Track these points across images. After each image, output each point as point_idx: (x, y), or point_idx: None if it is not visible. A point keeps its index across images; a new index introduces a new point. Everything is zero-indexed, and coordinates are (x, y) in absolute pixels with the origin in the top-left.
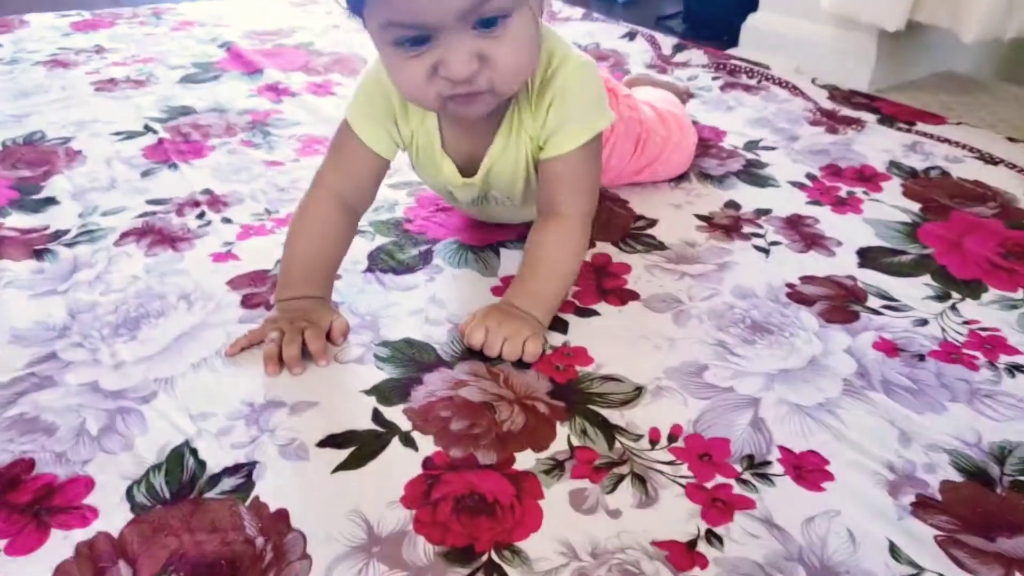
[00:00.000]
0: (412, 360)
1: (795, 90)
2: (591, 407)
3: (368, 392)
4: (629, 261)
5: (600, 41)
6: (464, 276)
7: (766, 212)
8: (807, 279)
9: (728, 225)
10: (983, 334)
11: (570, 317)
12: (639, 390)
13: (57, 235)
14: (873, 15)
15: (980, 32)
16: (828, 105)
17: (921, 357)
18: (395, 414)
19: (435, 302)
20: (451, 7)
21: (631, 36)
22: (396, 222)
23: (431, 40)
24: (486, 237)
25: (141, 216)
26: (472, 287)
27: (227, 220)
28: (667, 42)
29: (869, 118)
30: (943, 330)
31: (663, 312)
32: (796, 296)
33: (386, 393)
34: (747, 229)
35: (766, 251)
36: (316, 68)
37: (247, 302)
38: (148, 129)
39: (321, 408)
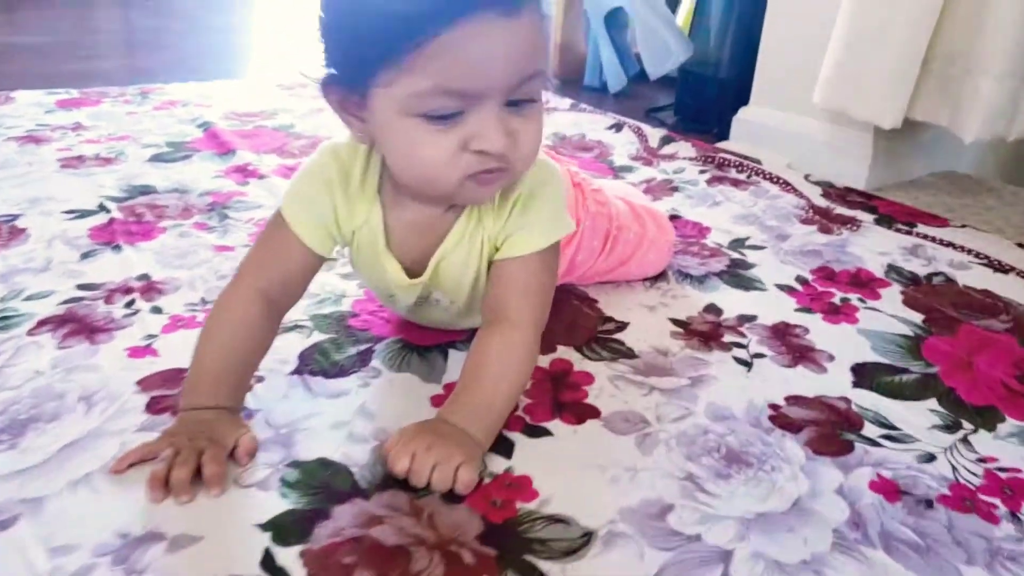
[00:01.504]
0: (323, 487)
1: (787, 186)
2: (528, 558)
3: (264, 526)
4: (593, 370)
5: (586, 132)
6: (403, 382)
7: (750, 319)
8: (794, 399)
9: (707, 332)
10: (1002, 475)
11: (517, 437)
12: (588, 536)
13: None
14: (868, 112)
15: (981, 132)
16: (822, 203)
17: (929, 503)
18: (289, 557)
19: (364, 413)
20: (508, 77)
21: (618, 128)
22: (339, 316)
23: (463, 114)
24: (434, 337)
25: (66, 302)
26: (410, 395)
27: (156, 310)
28: (655, 134)
29: (866, 217)
30: (954, 469)
31: (626, 435)
32: (780, 420)
33: (284, 529)
34: (728, 338)
35: (748, 364)
36: (291, 151)
37: (154, 406)
38: (102, 208)
39: (204, 545)
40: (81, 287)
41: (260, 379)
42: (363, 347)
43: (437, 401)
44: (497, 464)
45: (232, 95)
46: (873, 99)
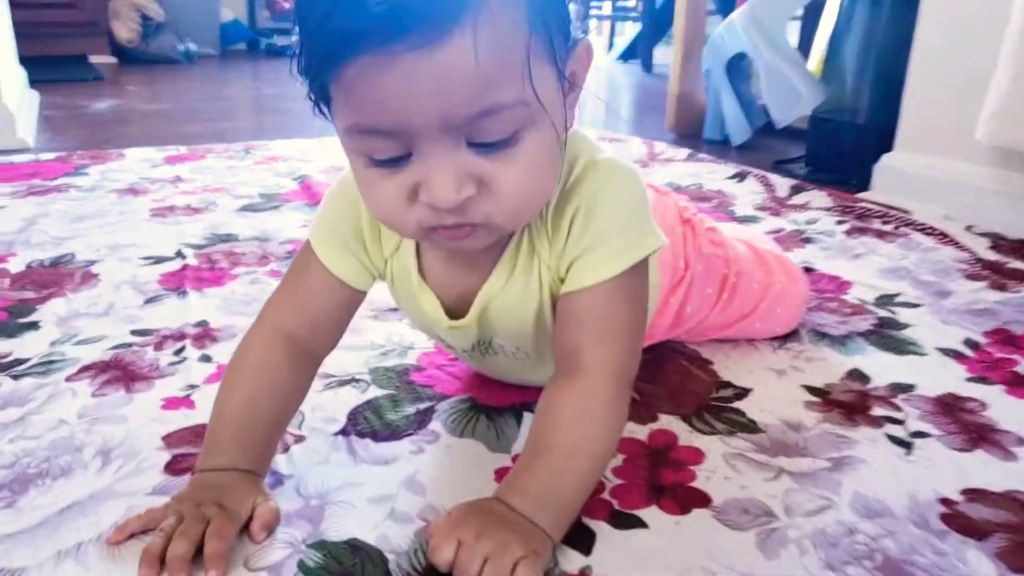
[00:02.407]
0: None
1: (944, 238)
2: None
3: None
4: (704, 445)
5: (703, 182)
6: (465, 449)
7: (906, 389)
8: (974, 494)
9: (851, 403)
10: None
11: (600, 526)
12: None
13: (13, 364)
14: None
15: None
16: (991, 256)
17: None
18: None
19: (412, 486)
20: (432, 111)
21: (741, 177)
22: (402, 370)
23: (412, 154)
24: (508, 395)
25: (115, 348)
26: (471, 467)
27: (206, 358)
28: (783, 183)
29: None
30: None
31: (744, 530)
32: (958, 521)
33: None
34: (879, 410)
35: (907, 445)
36: None
37: (175, 465)
38: (178, 255)
39: None
40: (135, 332)
41: (300, 439)
42: (424, 405)
43: (504, 475)
44: (572, 561)
45: (333, 150)
46: None
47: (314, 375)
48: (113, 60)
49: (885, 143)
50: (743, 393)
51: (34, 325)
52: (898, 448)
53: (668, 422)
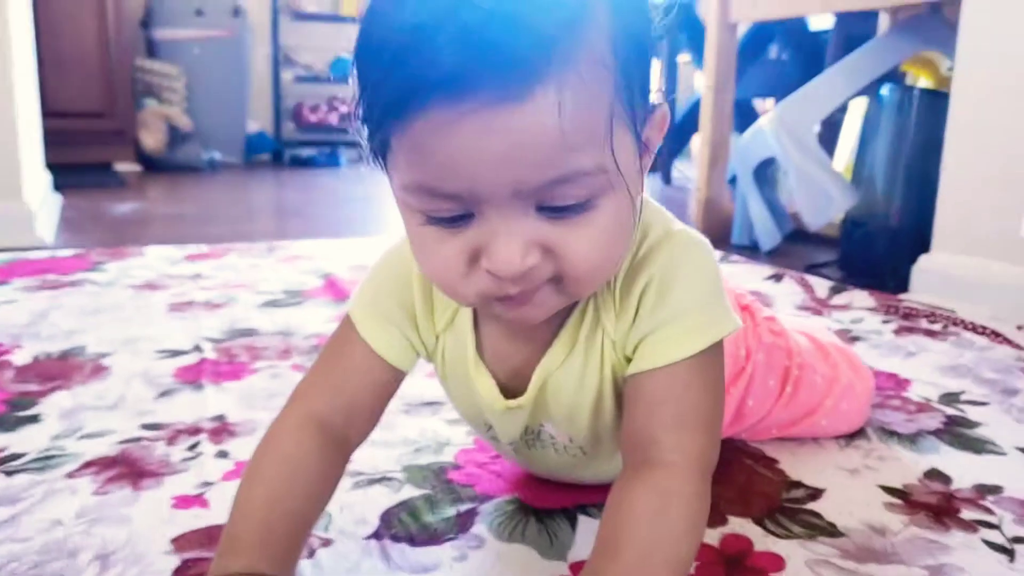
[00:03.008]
0: None
1: (997, 336)
2: None
3: None
4: (782, 551)
5: (739, 283)
6: (515, 556)
7: (994, 490)
8: None
9: (936, 506)
10: None
11: None
12: None
13: (8, 459)
14: None
15: None
16: None
17: None
18: None
19: None
20: (504, 177)
21: (777, 278)
22: (439, 468)
23: (475, 215)
24: (559, 497)
25: (123, 443)
26: (524, 573)
27: (222, 454)
28: (821, 284)
29: None
30: None
31: None
32: None
33: None
34: (969, 514)
35: (1008, 552)
36: None
37: (184, 572)
38: (196, 348)
39: None
40: (145, 427)
41: (327, 543)
42: (465, 507)
43: None
44: None
45: (359, 251)
46: None
47: (345, 467)
48: (138, 168)
49: (920, 245)
50: (816, 494)
51: (35, 419)
52: (999, 555)
53: (739, 525)
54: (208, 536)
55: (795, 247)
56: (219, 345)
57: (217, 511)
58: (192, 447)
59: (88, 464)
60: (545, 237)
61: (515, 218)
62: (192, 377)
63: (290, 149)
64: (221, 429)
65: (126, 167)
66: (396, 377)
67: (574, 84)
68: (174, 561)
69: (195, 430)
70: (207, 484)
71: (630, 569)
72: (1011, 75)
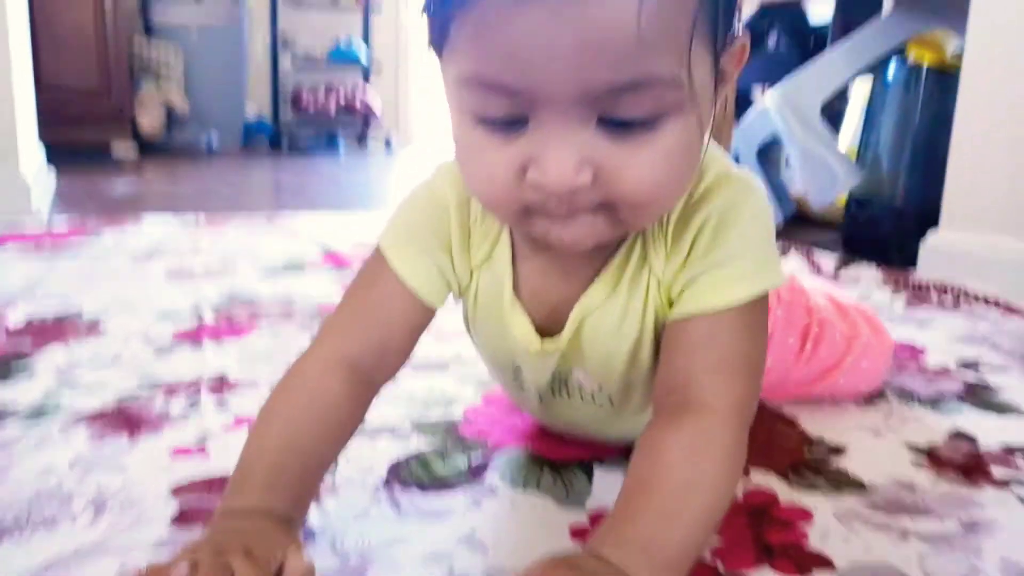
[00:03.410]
0: None
1: (1010, 309)
2: None
3: None
4: (809, 503)
5: None
6: (530, 503)
7: (1022, 450)
8: None
9: (965, 464)
10: None
11: None
12: None
13: None
14: None
15: None
16: None
17: None
18: None
19: (472, 544)
20: (571, 73)
21: (783, 253)
22: (448, 424)
23: (529, 121)
24: (575, 451)
25: (120, 398)
26: (540, 521)
27: (223, 407)
28: (828, 259)
29: None
30: None
31: None
32: None
33: None
34: (1000, 473)
35: None
36: None
37: (184, 517)
38: (195, 312)
39: None
40: (143, 382)
41: (333, 490)
42: (477, 458)
43: (580, 534)
44: None
45: (360, 225)
46: None
47: (366, 411)
48: (134, 149)
49: (925, 224)
50: (839, 450)
51: (28, 374)
52: None
53: (763, 478)
54: (209, 485)
55: (798, 229)
56: (219, 310)
57: (219, 462)
58: (192, 402)
59: (83, 416)
60: (602, 156)
61: (572, 128)
62: (193, 338)
63: (288, 135)
64: (221, 384)
65: (123, 148)
66: (427, 314)
67: None
68: (173, 507)
69: (195, 385)
70: (208, 436)
71: (666, 509)
72: (1020, 51)
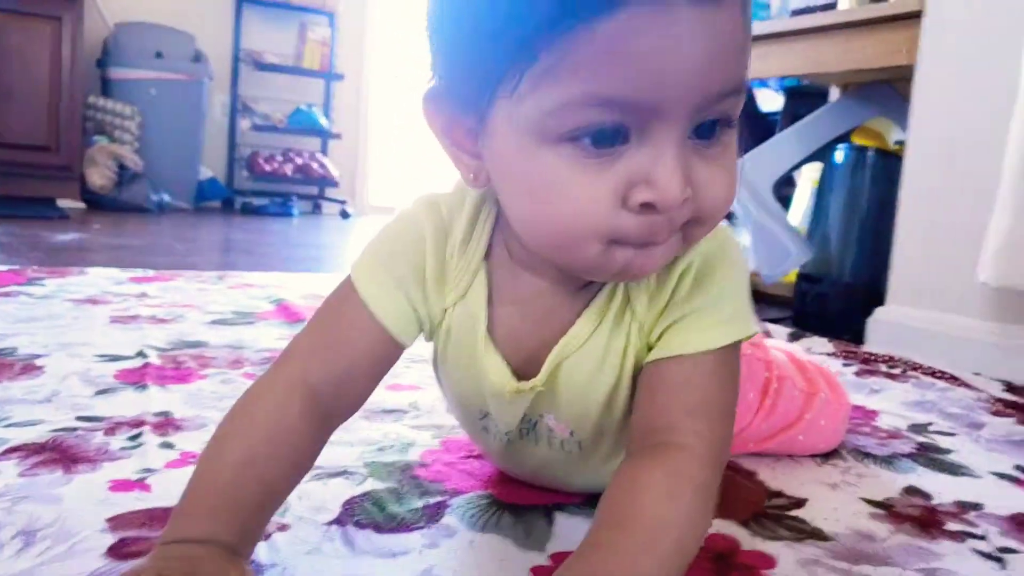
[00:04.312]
0: None
1: (955, 380)
2: None
3: None
4: (771, 551)
5: None
6: (490, 544)
7: (975, 506)
8: None
9: (921, 518)
10: None
11: None
12: None
13: None
14: None
15: None
16: (1008, 396)
17: None
18: None
19: None
20: (701, 81)
21: None
22: (404, 466)
23: (627, 143)
24: (536, 496)
25: (56, 431)
26: (501, 561)
27: (167, 445)
28: (781, 331)
29: None
30: None
31: None
32: None
33: None
34: (954, 526)
35: (998, 560)
36: None
37: (119, 549)
38: (140, 355)
39: None
40: (81, 419)
41: (284, 527)
42: (434, 499)
43: (542, 574)
44: None
45: (315, 283)
46: None
47: (325, 443)
48: (82, 205)
49: (873, 300)
50: (799, 502)
51: None
52: (991, 563)
53: (724, 526)
54: (150, 517)
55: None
56: (165, 353)
57: (160, 497)
58: (133, 438)
59: (13, 449)
60: (693, 171)
61: (678, 143)
62: (135, 379)
63: (242, 197)
64: (166, 423)
65: (69, 203)
66: (394, 351)
67: None
68: (109, 539)
69: (137, 423)
70: (149, 471)
71: (639, 544)
72: (959, 140)
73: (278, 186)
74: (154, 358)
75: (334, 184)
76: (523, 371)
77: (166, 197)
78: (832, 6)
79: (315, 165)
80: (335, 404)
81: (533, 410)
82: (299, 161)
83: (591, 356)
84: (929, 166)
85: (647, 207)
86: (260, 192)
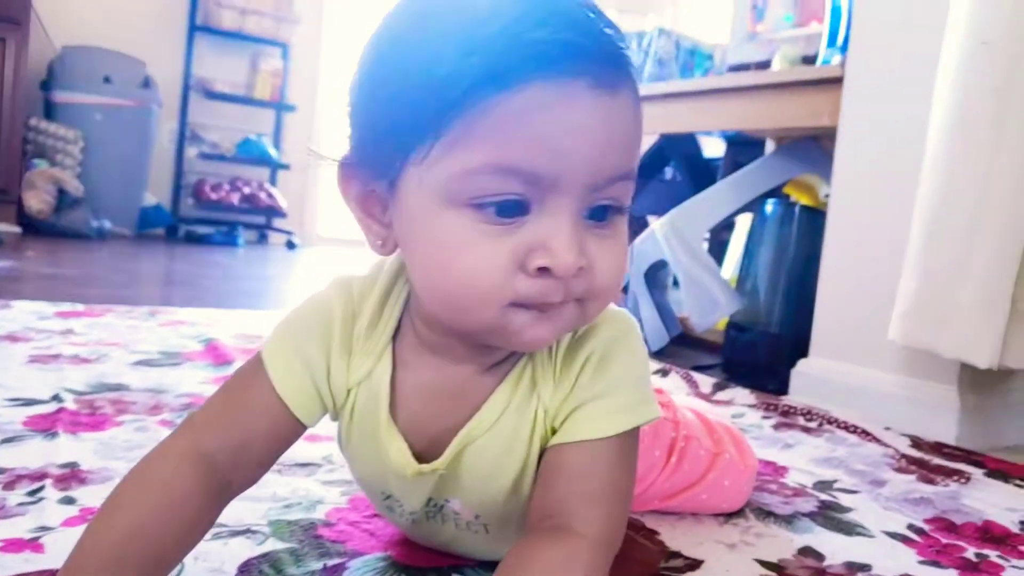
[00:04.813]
0: None
1: (866, 435)
2: None
3: None
4: None
5: None
6: None
7: (863, 568)
8: None
9: None
10: None
11: None
12: None
13: None
14: (957, 349)
15: None
16: (914, 453)
17: None
18: None
19: None
20: (594, 159)
21: (664, 373)
22: (307, 525)
23: (526, 214)
24: (435, 558)
25: None
26: None
27: (68, 500)
28: (706, 380)
29: (974, 471)
30: None
31: None
32: None
33: None
34: None
35: None
36: None
37: None
38: (55, 399)
39: None
40: None
41: None
42: (333, 562)
43: None
44: None
45: (248, 321)
46: (962, 332)
47: (218, 515)
48: (17, 230)
49: (798, 351)
50: (695, 564)
51: None
52: None
53: None
54: None
55: (682, 350)
56: (82, 397)
57: (53, 557)
58: (33, 492)
59: None
60: (587, 246)
61: (575, 216)
62: (46, 426)
63: (187, 225)
64: (70, 476)
65: (5, 228)
66: (295, 429)
67: (636, 93)
68: None
69: (40, 475)
70: (44, 529)
71: None
72: (877, 202)
73: (224, 215)
74: (69, 403)
75: (282, 215)
76: (427, 454)
77: (107, 224)
78: (766, 64)
79: (263, 195)
80: (232, 474)
81: (438, 494)
82: (246, 190)
83: (498, 440)
84: (849, 225)
85: (543, 271)
86: (206, 220)
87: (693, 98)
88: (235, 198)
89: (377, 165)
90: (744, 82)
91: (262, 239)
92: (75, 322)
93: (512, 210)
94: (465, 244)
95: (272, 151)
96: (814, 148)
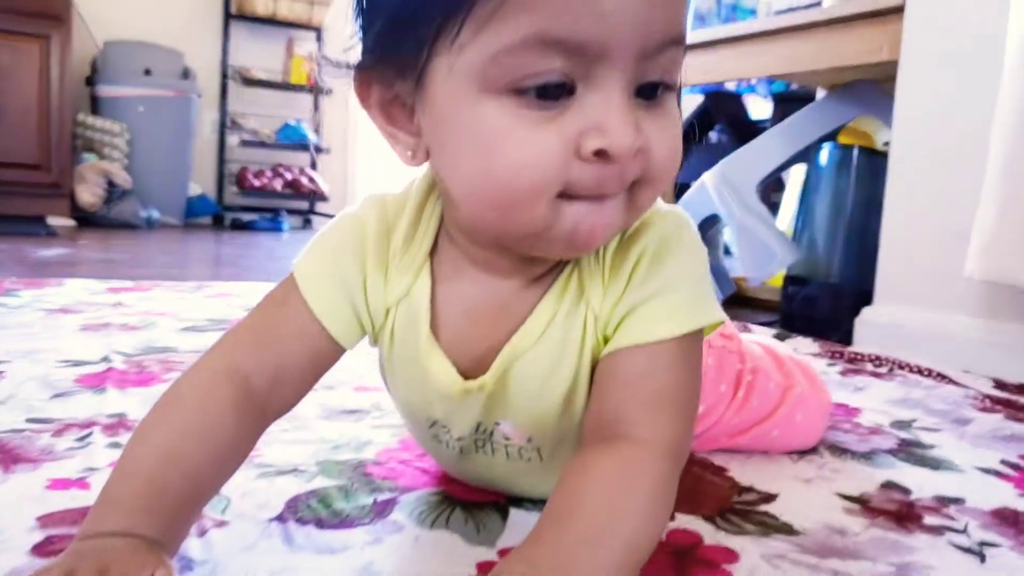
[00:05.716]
0: None
1: (942, 378)
2: None
3: None
4: (735, 545)
5: None
6: (436, 540)
7: (955, 501)
8: None
9: (897, 512)
10: None
11: None
12: None
13: None
14: None
15: None
16: (997, 393)
17: None
18: None
19: (369, 575)
20: (645, 25)
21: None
22: (356, 464)
23: (573, 94)
24: (492, 493)
25: (1, 433)
26: (445, 557)
27: (115, 445)
28: (766, 332)
29: None
30: None
31: None
32: None
33: None
34: (932, 520)
35: (978, 554)
36: None
37: (47, 547)
38: (104, 360)
39: None
40: (31, 420)
41: (222, 524)
42: (384, 496)
43: (487, 568)
44: None
45: None
46: None
47: (258, 438)
48: (71, 223)
49: (861, 301)
50: (769, 497)
51: None
52: (970, 556)
53: (688, 522)
54: (83, 515)
55: (737, 311)
56: (130, 359)
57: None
58: (81, 438)
59: None
60: (641, 123)
61: (626, 91)
62: (95, 383)
63: (231, 213)
64: (118, 424)
65: (59, 221)
66: (334, 350)
67: None
68: (36, 537)
69: (88, 424)
70: (91, 469)
71: (581, 540)
72: (944, 137)
73: (268, 201)
74: (118, 363)
75: (324, 199)
76: (472, 372)
77: (155, 213)
78: (817, 4)
79: (305, 180)
80: (268, 396)
81: (487, 417)
82: (288, 176)
83: (546, 353)
84: (914, 163)
85: (600, 155)
86: (250, 208)
87: (738, 43)
88: (278, 184)
89: (399, 61)
90: (794, 21)
91: (306, 224)
92: (125, 296)
93: (556, 92)
94: (508, 135)
95: (311, 135)
96: (871, 89)
